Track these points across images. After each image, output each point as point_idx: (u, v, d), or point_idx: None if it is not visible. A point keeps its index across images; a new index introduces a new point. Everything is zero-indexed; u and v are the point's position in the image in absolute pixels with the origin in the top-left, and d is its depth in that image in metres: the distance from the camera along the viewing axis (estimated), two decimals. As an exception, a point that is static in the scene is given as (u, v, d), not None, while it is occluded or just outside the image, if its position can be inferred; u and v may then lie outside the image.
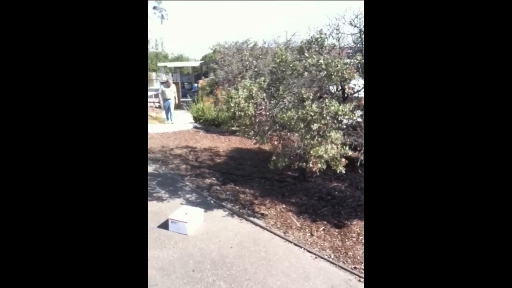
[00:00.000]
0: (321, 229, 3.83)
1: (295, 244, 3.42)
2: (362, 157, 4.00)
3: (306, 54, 3.47)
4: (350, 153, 3.58)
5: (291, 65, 3.62)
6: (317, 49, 3.66)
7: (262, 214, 4.15)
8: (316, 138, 3.46)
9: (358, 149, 4.06)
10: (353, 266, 3.12)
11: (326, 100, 3.28)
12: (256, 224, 3.85)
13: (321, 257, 3.19)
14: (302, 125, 3.38)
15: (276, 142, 3.55)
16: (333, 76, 3.36)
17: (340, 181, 5.42)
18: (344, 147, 3.48)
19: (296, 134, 3.84)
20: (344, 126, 3.98)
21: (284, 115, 3.46)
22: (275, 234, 3.63)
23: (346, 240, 3.61)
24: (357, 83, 4.03)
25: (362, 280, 2.87)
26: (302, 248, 3.35)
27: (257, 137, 3.70)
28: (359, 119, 4.21)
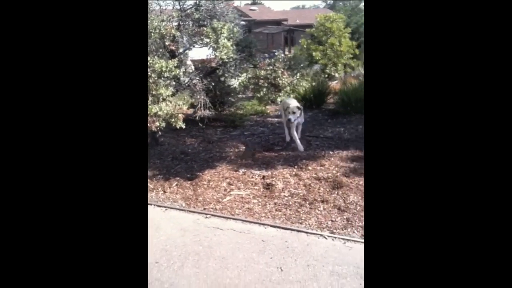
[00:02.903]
0: (174, 185, 4.01)
1: (146, 204, 3.51)
2: (200, 112, 4.29)
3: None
4: (186, 109, 3.78)
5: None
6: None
7: (112, 186, 3.99)
8: (148, 97, 3.47)
9: (195, 104, 4.33)
10: (202, 208, 3.46)
11: (149, 58, 3.28)
12: (104, 196, 3.70)
13: (172, 208, 3.40)
14: (129, 86, 3.31)
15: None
16: (152, 34, 3.35)
17: (194, 138, 5.68)
18: (178, 103, 3.63)
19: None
20: (181, 85, 4.11)
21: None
22: (124, 200, 3.60)
23: (198, 188, 3.93)
24: (184, 42, 4.15)
25: (209, 216, 3.26)
26: (153, 205, 3.47)
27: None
28: (196, 79, 4.42)
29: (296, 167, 4.25)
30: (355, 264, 2.38)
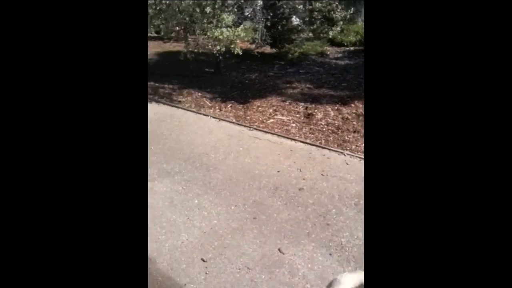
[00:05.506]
0: (228, 106, 4.68)
1: (204, 115, 4.25)
2: (258, 42, 4.67)
3: None
4: (248, 43, 4.21)
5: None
6: None
7: (179, 101, 4.83)
8: (212, 21, 3.99)
9: (256, 38, 4.70)
10: (249, 124, 4.08)
11: (215, -14, 3.72)
12: (173, 106, 4.55)
13: (224, 120, 4.09)
14: (198, 10, 3.85)
15: (177, 28, 4.01)
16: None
17: (252, 72, 6.19)
18: (237, 30, 4.08)
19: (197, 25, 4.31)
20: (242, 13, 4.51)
21: (182, 2, 3.86)
22: (188, 110, 4.40)
23: (248, 111, 4.54)
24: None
25: (252, 129, 3.87)
26: (210, 117, 4.20)
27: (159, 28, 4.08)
28: (256, 8, 4.74)
29: (339, 103, 4.53)
30: (362, 175, 2.79)
